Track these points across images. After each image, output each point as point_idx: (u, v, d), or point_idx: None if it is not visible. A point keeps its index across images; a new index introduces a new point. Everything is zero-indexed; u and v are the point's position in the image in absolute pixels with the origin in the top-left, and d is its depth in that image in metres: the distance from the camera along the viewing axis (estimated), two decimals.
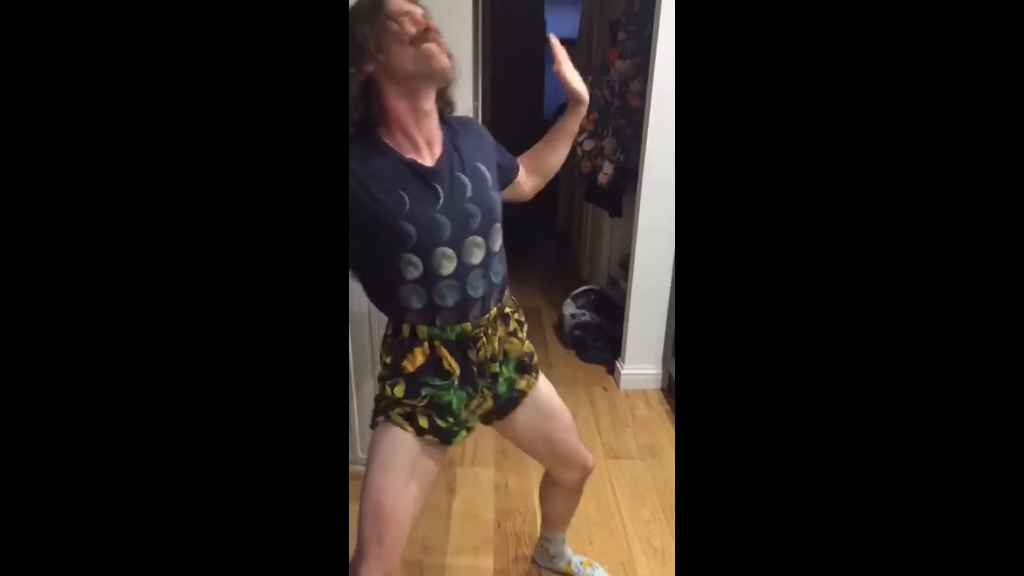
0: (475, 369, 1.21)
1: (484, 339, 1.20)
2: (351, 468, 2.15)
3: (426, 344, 1.17)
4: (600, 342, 3.12)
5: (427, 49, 1.02)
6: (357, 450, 2.15)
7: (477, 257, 1.14)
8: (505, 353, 1.26)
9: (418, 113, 1.10)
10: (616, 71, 2.82)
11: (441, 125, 1.17)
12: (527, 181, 1.36)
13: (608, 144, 2.91)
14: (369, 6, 1.05)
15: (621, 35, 2.81)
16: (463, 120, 1.24)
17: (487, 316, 1.20)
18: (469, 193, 1.13)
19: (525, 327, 1.34)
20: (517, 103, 5.20)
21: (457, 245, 1.11)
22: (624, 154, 2.88)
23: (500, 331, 1.24)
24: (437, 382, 1.18)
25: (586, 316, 3.25)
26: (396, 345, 1.20)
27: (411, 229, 1.07)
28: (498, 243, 1.19)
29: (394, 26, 1.02)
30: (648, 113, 2.39)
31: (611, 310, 3.18)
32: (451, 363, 1.18)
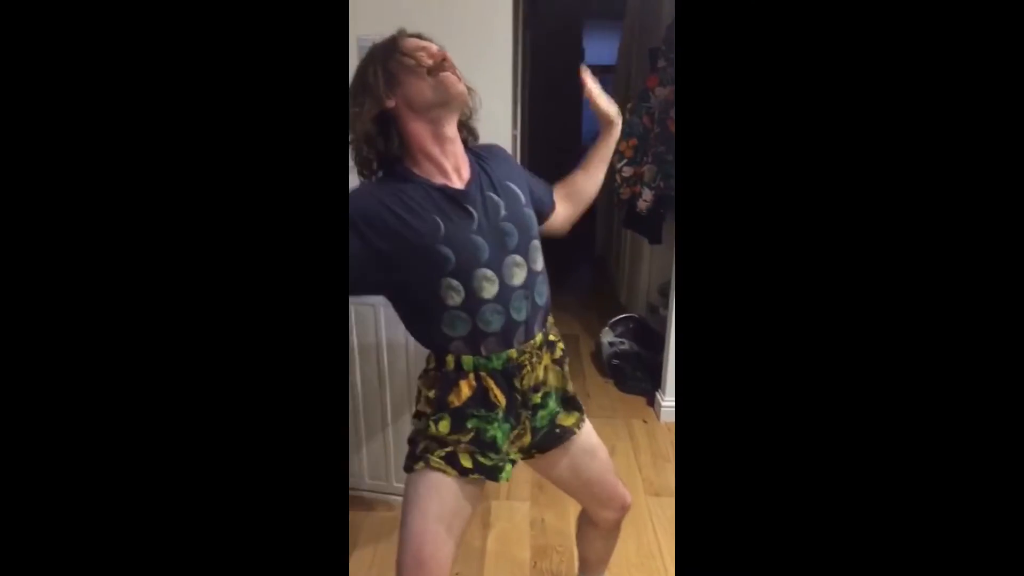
0: (519, 398, 1.18)
1: (528, 367, 1.17)
2: (386, 497, 2.12)
3: (472, 376, 1.14)
4: (639, 372, 3.05)
5: (444, 78, 1.06)
6: (392, 479, 2.12)
7: (519, 277, 1.12)
8: (548, 383, 1.23)
9: (442, 139, 1.11)
10: (656, 98, 2.81)
11: (467, 152, 1.18)
12: (562, 209, 1.35)
13: (648, 171, 2.88)
14: (383, 48, 1.10)
15: (661, 62, 2.81)
16: (489, 147, 1.25)
17: (532, 342, 1.17)
18: (503, 212, 1.12)
19: (567, 359, 1.30)
20: (555, 131, 5.21)
21: (497, 266, 1.10)
22: (664, 180, 2.84)
23: (545, 359, 1.21)
24: (483, 413, 1.15)
25: (625, 345, 3.18)
26: (440, 378, 1.17)
27: (448, 252, 1.06)
28: (539, 262, 1.18)
29: (410, 60, 1.07)
30: None
31: (651, 339, 3.10)
32: (497, 394, 1.15)
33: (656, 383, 2.86)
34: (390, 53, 1.08)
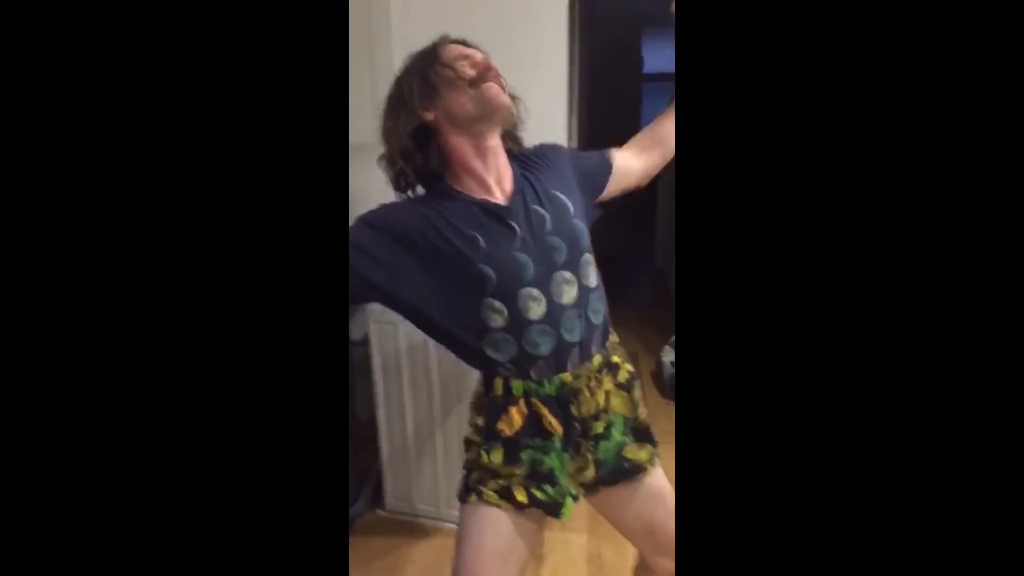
0: (577, 426, 1.08)
1: (587, 392, 1.08)
2: (438, 523, 2.05)
3: (523, 402, 1.06)
4: None
5: (487, 89, 0.99)
6: (442, 506, 2.05)
7: (569, 295, 1.04)
8: (611, 409, 1.11)
9: (483, 152, 1.05)
10: None
11: (511, 161, 1.11)
12: (637, 160, 1.23)
13: None
14: (422, 57, 1.04)
15: None
16: (535, 150, 1.17)
17: (589, 364, 1.08)
18: (549, 225, 1.05)
19: (638, 383, 1.18)
20: (613, 142, 5.09)
21: (544, 284, 1.02)
22: None
23: (607, 383, 1.11)
24: (538, 442, 1.07)
25: None
26: (489, 404, 1.09)
27: (489, 271, 1.00)
28: (592, 277, 1.09)
29: (450, 72, 1.00)
30: None
31: None
32: (552, 422, 1.06)
33: None
34: (429, 63, 1.02)
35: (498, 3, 1.91)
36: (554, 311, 1.02)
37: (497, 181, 1.06)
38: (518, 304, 1.00)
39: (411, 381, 1.93)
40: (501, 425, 1.07)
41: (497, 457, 1.07)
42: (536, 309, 1.01)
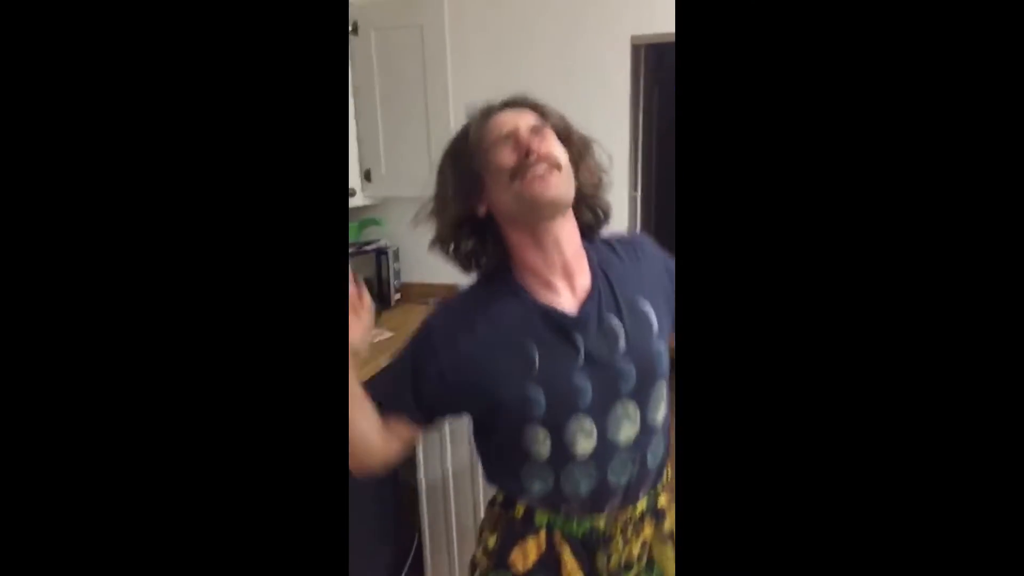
0: None
1: (619, 540, 0.90)
2: None
3: (543, 535, 0.89)
4: None
5: (527, 185, 0.79)
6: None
7: (628, 432, 0.85)
8: (645, 563, 0.93)
9: (545, 246, 0.85)
10: None
11: (589, 248, 0.90)
12: None
13: None
14: (466, 139, 0.85)
15: None
16: (623, 239, 0.96)
17: (631, 508, 0.90)
18: (622, 345, 0.85)
19: None
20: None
21: (600, 414, 0.84)
22: None
23: (647, 531, 0.92)
24: None
25: None
26: (506, 524, 0.92)
27: (539, 396, 0.82)
28: (661, 413, 0.89)
29: (494, 160, 0.82)
30: None
31: None
32: (571, 566, 0.89)
33: None
34: (470, 148, 0.85)
35: (561, 50, 1.82)
36: (605, 449, 0.84)
37: (566, 279, 0.86)
38: (566, 436, 0.83)
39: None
40: (515, 555, 0.90)
41: None
42: (585, 444, 0.83)
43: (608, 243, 0.92)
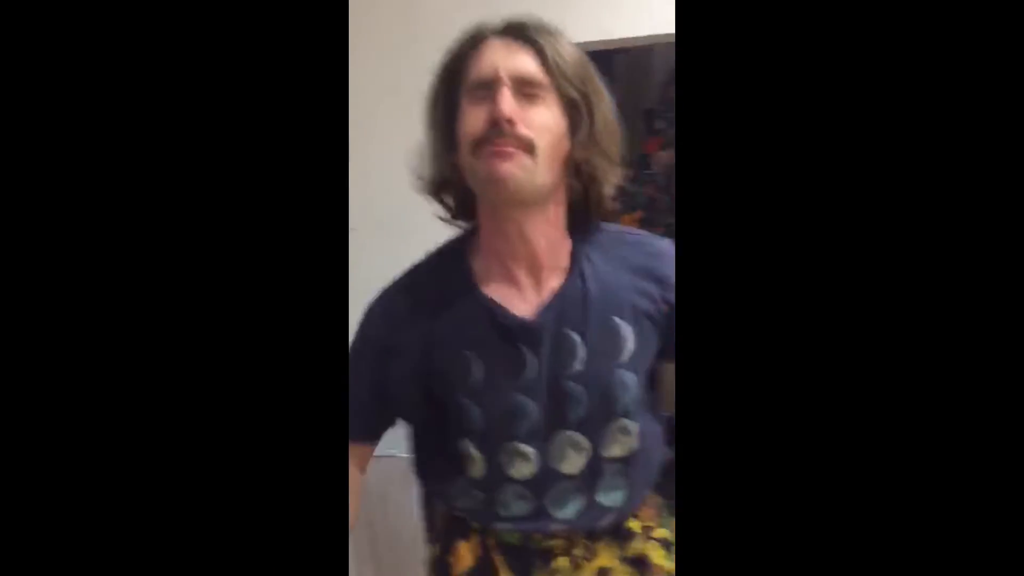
0: None
1: (565, 561, 0.77)
2: None
3: (476, 540, 0.80)
4: None
5: (486, 158, 0.65)
6: None
7: (573, 464, 0.73)
8: None
9: (507, 234, 0.70)
10: (657, 163, 2.65)
11: (580, 240, 0.75)
12: None
13: None
14: (446, 69, 0.70)
15: (659, 124, 2.68)
16: (638, 239, 0.80)
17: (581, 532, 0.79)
18: (576, 365, 0.71)
19: (675, 555, 0.84)
20: None
21: (542, 441, 0.72)
22: None
23: (605, 557, 0.78)
24: None
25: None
26: (443, 525, 0.83)
27: (474, 410, 0.71)
28: (620, 448, 0.75)
29: (461, 117, 0.67)
30: None
31: None
32: None
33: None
34: (453, 82, 0.69)
35: None
36: (545, 478, 0.73)
37: (532, 275, 0.72)
38: (500, 457, 0.72)
39: None
40: (450, 558, 0.81)
41: None
42: (522, 469, 0.72)
43: (616, 237, 0.76)
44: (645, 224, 2.70)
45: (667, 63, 2.80)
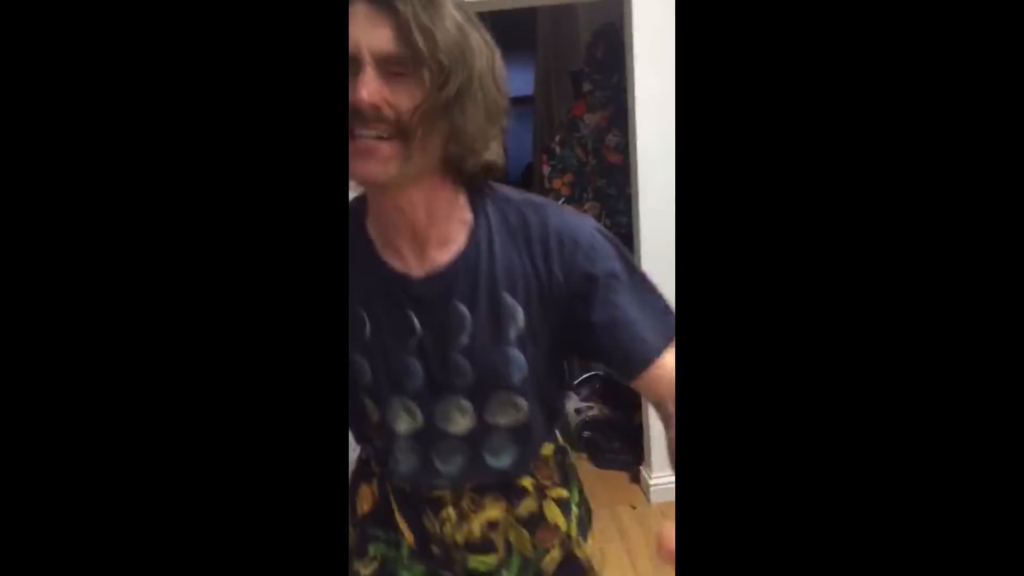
0: (435, 550, 0.81)
1: (452, 511, 0.79)
2: None
3: (376, 483, 0.83)
4: (616, 442, 2.61)
5: (351, 152, 0.59)
6: None
7: (459, 425, 0.75)
8: (501, 548, 0.80)
9: (384, 210, 0.70)
10: (586, 126, 2.59)
11: (477, 209, 0.71)
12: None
13: (591, 209, 2.60)
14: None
15: (587, 86, 2.61)
16: (527, 204, 0.72)
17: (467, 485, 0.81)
18: (464, 339, 0.70)
19: (575, 516, 0.84)
20: None
21: (427, 402, 0.74)
22: (610, 218, 2.55)
23: (493, 511, 0.80)
24: (384, 544, 0.83)
25: (594, 409, 2.77)
26: (355, 467, 0.87)
27: (364, 366, 0.73)
28: (505, 416, 0.75)
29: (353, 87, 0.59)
30: (635, 171, 2.05)
31: (621, 397, 2.68)
32: (403, 526, 0.81)
33: (638, 455, 2.43)
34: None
35: None
36: (431, 434, 0.75)
37: (415, 249, 0.70)
38: (388, 413, 0.75)
39: None
40: (357, 498, 0.85)
41: (352, 539, 0.85)
42: (408, 425, 0.75)
43: (504, 204, 0.71)
44: (576, 186, 2.71)
45: (591, 23, 2.77)
